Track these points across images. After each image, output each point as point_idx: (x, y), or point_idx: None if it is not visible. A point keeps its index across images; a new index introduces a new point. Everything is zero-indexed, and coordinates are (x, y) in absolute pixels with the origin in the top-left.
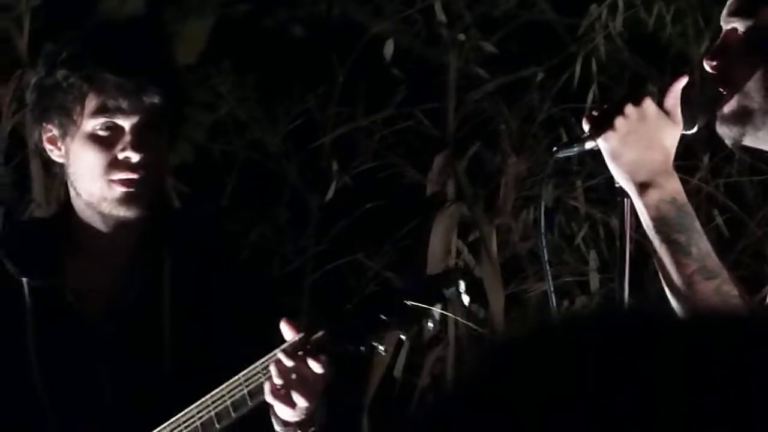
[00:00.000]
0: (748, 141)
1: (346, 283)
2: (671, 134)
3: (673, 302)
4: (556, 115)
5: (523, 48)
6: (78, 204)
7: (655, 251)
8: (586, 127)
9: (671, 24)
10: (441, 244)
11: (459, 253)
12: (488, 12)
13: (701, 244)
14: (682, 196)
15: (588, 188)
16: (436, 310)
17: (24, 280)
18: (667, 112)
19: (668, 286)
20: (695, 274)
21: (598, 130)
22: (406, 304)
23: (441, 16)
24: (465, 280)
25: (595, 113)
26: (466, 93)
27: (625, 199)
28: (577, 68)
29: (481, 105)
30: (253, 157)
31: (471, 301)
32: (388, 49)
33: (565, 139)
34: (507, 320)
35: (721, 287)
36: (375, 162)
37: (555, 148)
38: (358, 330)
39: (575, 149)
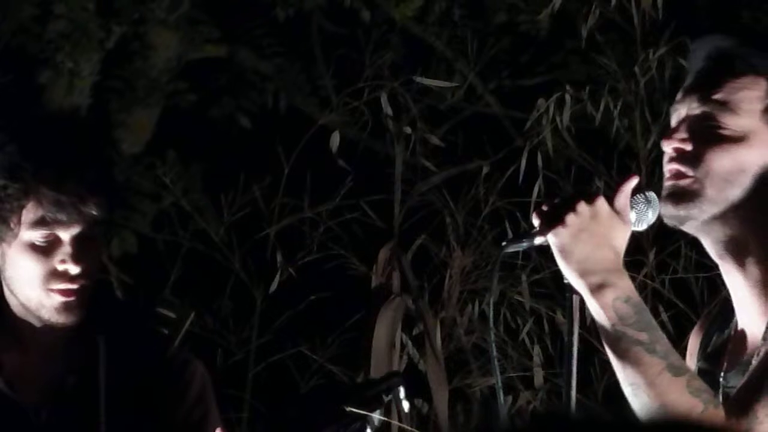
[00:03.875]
0: (689, 227)
1: (290, 376)
2: (622, 233)
3: (636, 401)
4: (501, 209)
5: (469, 141)
6: (13, 302)
7: (614, 351)
8: (536, 221)
9: (618, 118)
10: (385, 337)
11: (403, 346)
12: (435, 105)
13: (663, 341)
14: (636, 294)
15: (533, 282)
16: (376, 416)
17: None
18: (617, 212)
19: (632, 385)
20: (663, 372)
21: (548, 225)
22: (345, 410)
23: (387, 109)
24: (404, 386)
25: (545, 208)
26: (412, 185)
27: (573, 296)
28: (523, 162)
29: (427, 197)
30: (197, 247)
31: (414, 396)
32: (335, 140)
33: (510, 233)
34: (451, 415)
35: (691, 382)
36: (320, 253)
37: (504, 243)
38: None
39: (524, 244)
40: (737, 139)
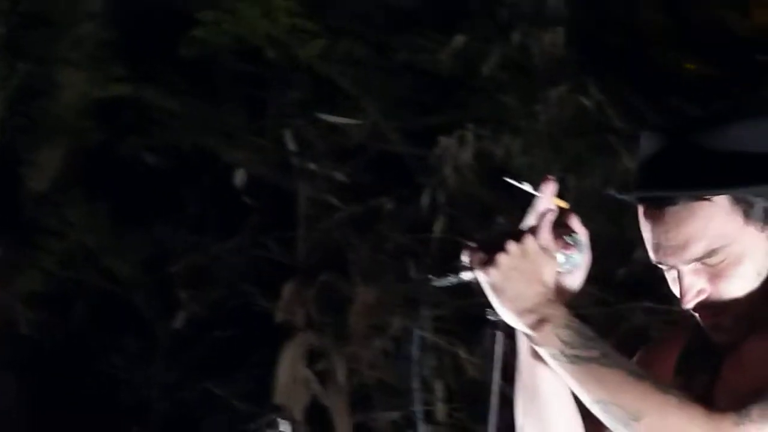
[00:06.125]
0: None
1: (195, 412)
2: (550, 268)
3: (608, 418)
4: (404, 245)
5: (373, 178)
6: None
7: (571, 377)
8: (465, 258)
9: (520, 156)
10: (289, 372)
11: (307, 381)
12: (339, 142)
13: (614, 353)
14: (573, 319)
15: (435, 318)
16: None
17: None
18: (544, 248)
19: (599, 403)
20: (627, 378)
21: (479, 264)
22: None
23: (291, 145)
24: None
25: (474, 246)
26: (317, 221)
27: (496, 332)
28: (426, 198)
29: (331, 234)
30: (103, 285)
31: (317, 428)
32: (240, 177)
33: (413, 269)
34: None
35: (656, 383)
36: (225, 290)
37: (430, 277)
38: None
39: (452, 280)
40: (736, 263)
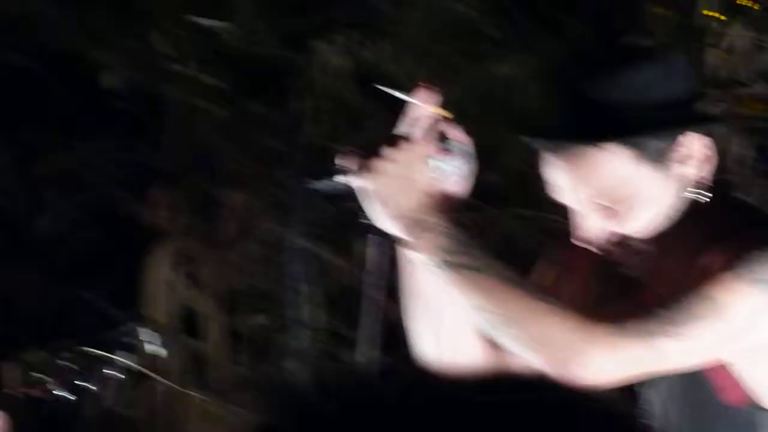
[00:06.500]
0: None
1: (64, 315)
2: (426, 175)
3: (486, 324)
4: (274, 149)
5: (244, 82)
6: None
7: (449, 282)
8: (343, 164)
9: (390, 61)
10: (157, 276)
11: (177, 285)
12: (210, 45)
13: (492, 260)
14: (452, 226)
15: (306, 223)
16: (120, 359)
17: None
18: (423, 156)
19: (477, 308)
20: (504, 284)
21: (356, 168)
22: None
23: (161, 48)
24: (152, 328)
25: (352, 150)
26: (188, 125)
27: (370, 235)
28: (298, 103)
29: (203, 138)
30: None
31: (189, 335)
32: (108, 79)
33: (284, 174)
34: (223, 353)
35: (536, 290)
36: (93, 193)
37: (308, 180)
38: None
39: (328, 184)
40: (632, 203)
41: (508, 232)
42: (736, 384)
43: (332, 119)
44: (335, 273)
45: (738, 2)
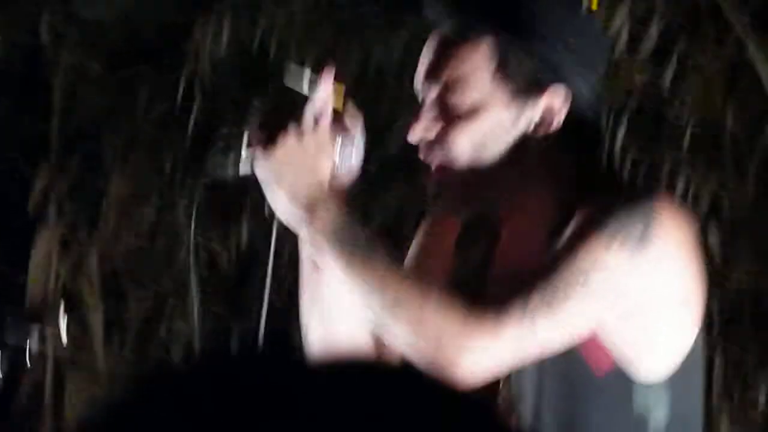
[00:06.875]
0: (471, 208)
1: None
2: (326, 159)
3: (370, 307)
4: (162, 137)
5: (128, 68)
6: None
7: (338, 265)
8: (242, 149)
9: (275, 42)
10: (41, 263)
11: (59, 273)
12: (95, 33)
13: (382, 248)
14: (344, 212)
15: (189, 210)
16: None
17: None
18: (321, 143)
19: (362, 293)
20: (390, 270)
21: (256, 155)
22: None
23: (44, 37)
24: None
25: (252, 135)
26: (71, 113)
27: (273, 224)
28: (181, 89)
29: (86, 124)
30: None
31: (70, 321)
32: None
33: (167, 161)
34: (106, 340)
35: (420, 277)
36: None
37: (208, 165)
38: None
39: (229, 171)
40: (472, 113)
41: (396, 205)
42: (606, 353)
43: (219, 104)
44: (221, 261)
45: None
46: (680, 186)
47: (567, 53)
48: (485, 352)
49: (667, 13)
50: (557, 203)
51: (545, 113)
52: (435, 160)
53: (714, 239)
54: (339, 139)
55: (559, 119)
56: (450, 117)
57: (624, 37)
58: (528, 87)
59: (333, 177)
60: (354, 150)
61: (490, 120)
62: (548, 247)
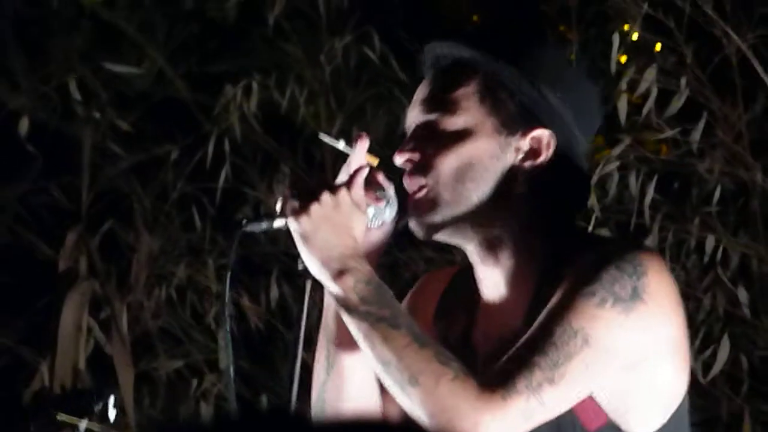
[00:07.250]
0: (443, 236)
1: None
2: (360, 224)
3: (388, 380)
4: (189, 194)
5: (158, 126)
6: None
7: (360, 332)
8: (278, 206)
9: (304, 105)
10: (72, 320)
11: (90, 330)
12: (124, 90)
13: (406, 316)
14: (375, 277)
15: (219, 267)
16: (83, 424)
17: None
18: (356, 203)
19: (382, 363)
20: (411, 344)
21: (292, 212)
22: (56, 417)
23: (75, 94)
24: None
25: (290, 195)
26: (101, 170)
27: (307, 281)
28: (211, 147)
29: (116, 182)
30: None
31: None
32: (23, 124)
33: (197, 217)
34: (136, 398)
35: (439, 353)
36: (8, 237)
37: (244, 222)
38: None
39: (264, 226)
40: (459, 138)
41: (419, 273)
42: (598, 410)
43: (248, 163)
44: (249, 316)
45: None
46: (710, 244)
47: (556, 99)
48: (498, 428)
49: (695, 69)
50: (542, 257)
51: (529, 154)
52: (414, 185)
53: (743, 298)
54: (374, 195)
55: (544, 159)
56: (435, 140)
57: (654, 93)
58: (514, 123)
59: (366, 240)
60: (387, 207)
61: (474, 148)
62: (535, 307)
